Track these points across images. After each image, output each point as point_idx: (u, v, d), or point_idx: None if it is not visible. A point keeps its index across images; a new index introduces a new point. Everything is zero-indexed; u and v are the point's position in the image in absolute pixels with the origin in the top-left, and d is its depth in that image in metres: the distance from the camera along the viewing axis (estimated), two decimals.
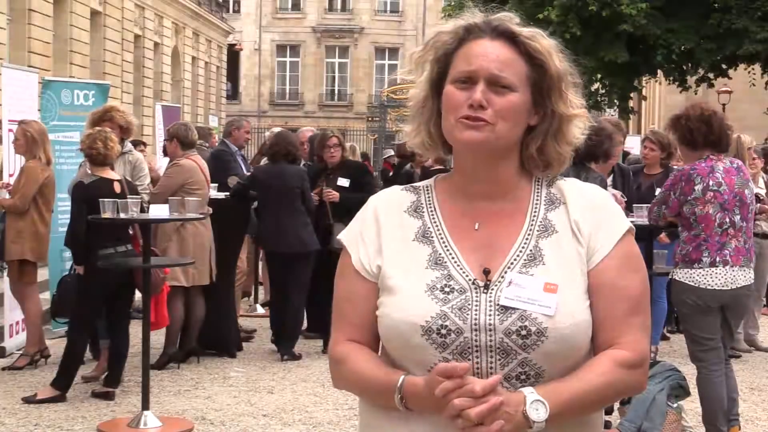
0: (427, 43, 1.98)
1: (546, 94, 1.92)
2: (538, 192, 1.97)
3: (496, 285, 1.87)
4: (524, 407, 1.77)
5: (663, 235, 7.76)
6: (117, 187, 6.70)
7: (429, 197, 2.00)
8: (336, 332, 2.00)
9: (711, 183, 5.42)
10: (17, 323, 8.44)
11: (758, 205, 7.43)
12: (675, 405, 5.76)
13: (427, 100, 1.97)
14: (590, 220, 1.92)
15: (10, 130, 8.26)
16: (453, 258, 1.91)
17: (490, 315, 1.84)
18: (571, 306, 1.84)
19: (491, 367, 1.83)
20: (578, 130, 1.96)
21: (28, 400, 6.66)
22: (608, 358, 1.85)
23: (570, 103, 1.94)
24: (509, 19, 1.94)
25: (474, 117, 1.86)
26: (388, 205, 2.00)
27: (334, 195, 8.51)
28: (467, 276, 1.88)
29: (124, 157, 7.56)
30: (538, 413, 1.76)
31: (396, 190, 2.05)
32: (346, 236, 2.01)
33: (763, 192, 8.64)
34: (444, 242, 1.93)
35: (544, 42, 1.92)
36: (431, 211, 1.98)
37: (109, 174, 6.76)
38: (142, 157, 8.05)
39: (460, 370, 1.76)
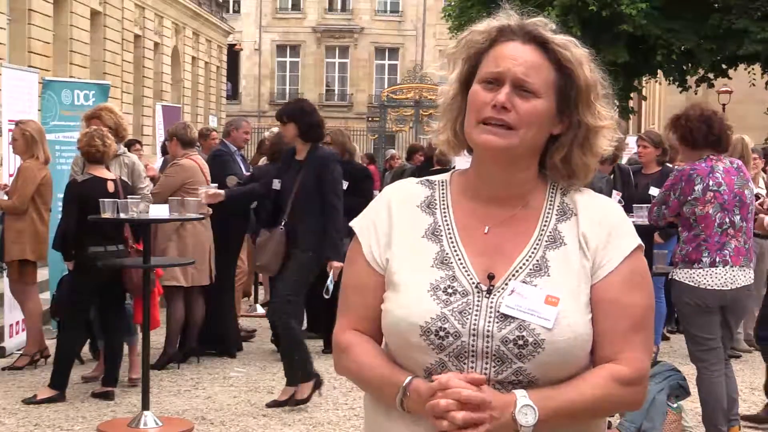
0: (459, 40, 1.97)
1: (573, 104, 1.91)
2: (551, 201, 1.96)
3: (498, 291, 1.87)
4: (513, 410, 1.77)
5: (655, 235, 7.76)
6: (110, 186, 6.69)
7: (443, 194, 2.00)
8: (341, 319, 2.00)
9: (711, 183, 5.42)
10: (17, 323, 8.44)
11: (756, 203, 7.42)
12: (675, 405, 5.76)
13: (455, 98, 1.96)
14: (599, 234, 1.91)
15: (10, 131, 8.26)
16: (459, 259, 1.91)
17: (489, 321, 1.84)
18: (571, 320, 1.84)
19: (486, 373, 1.83)
20: (606, 142, 1.95)
21: (28, 402, 6.66)
22: (605, 371, 1.85)
23: (598, 114, 1.92)
24: (543, 24, 1.93)
25: (496, 119, 1.85)
26: (402, 198, 2.00)
27: None
28: (471, 279, 1.88)
29: (120, 159, 7.54)
30: (527, 418, 1.77)
31: (411, 183, 2.04)
32: (358, 224, 2.01)
33: (763, 192, 8.64)
34: (452, 242, 1.93)
35: (576, 51, 1.91)
36: (444, 208, 1.98)
37: (103, 173, 6.75)
38: (137, 160, 8.00)
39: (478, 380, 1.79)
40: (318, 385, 6.65)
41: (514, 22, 1.93)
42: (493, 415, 1.76)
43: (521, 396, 1.79)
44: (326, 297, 6.45)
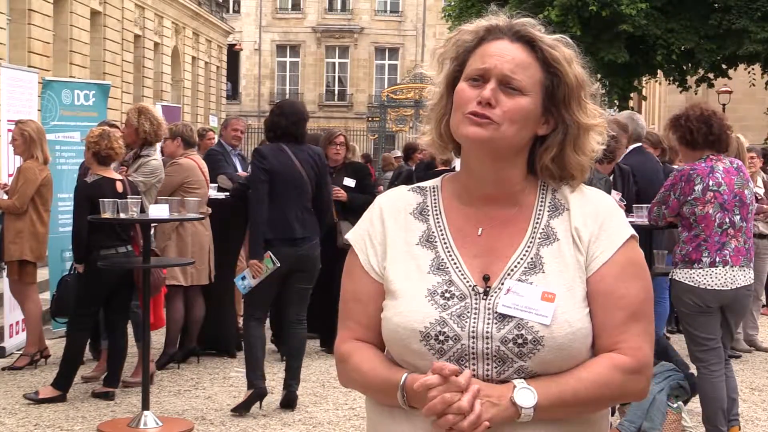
0: (448, 40, 1.98)
1: (563, 104, 1.91)
2: (542, 197, 1.96)
3: (495, 292, 1.87)
4: (511, 394, 1.78)
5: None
6: (119, 187, 6.70)
7: (435, 200, 2.00)
8: (342, 330, 2.01)
9: (711, 183, 5.42)
10: (17, 323, 8.45)
11: (757, 205, 7.42)
12: (675, 405, 5.76)
13: (441, 97, 1.97)
14: (591, 227, 1.91)
15: (10, 130, 8.25)
16: (455, 264, 1.91)
17: (487, 323, 1.85)
18: (569, 315, 1.84)
19: (488, 374, 1.83)
20: (597, 140, 1.95)
21: (29, 397, 6.66)
22: (605, 359, 1.86)
23: (590, 112, 1.93)
24: (532, 25, 1.94)
25: (481, 114, 1.86)
26: (394, 207, 2.00)
27: (343, 194, 8.52)
28: (468, 282, 1.89)
29: (139, 160, 7.51)
30: (526, 399, 1.78)
31: (402, 190, 2.05)
32: (353, 236, 2.02)
33: (761, 191, 8.64)
34: (447, 247, 1.93)
35: (565, 51, 1.92)
36: (436, 214, 1.98)
37: (111, 174, 6.76)
38: (153, 163, 7.86)
39: (448, 371, 1.77)
40: (257, 397, 6.47)
41: (502, 21, 1.94)
42: (491, 401, 1.77)
43: (519, 382, 1.80)
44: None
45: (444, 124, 1.96)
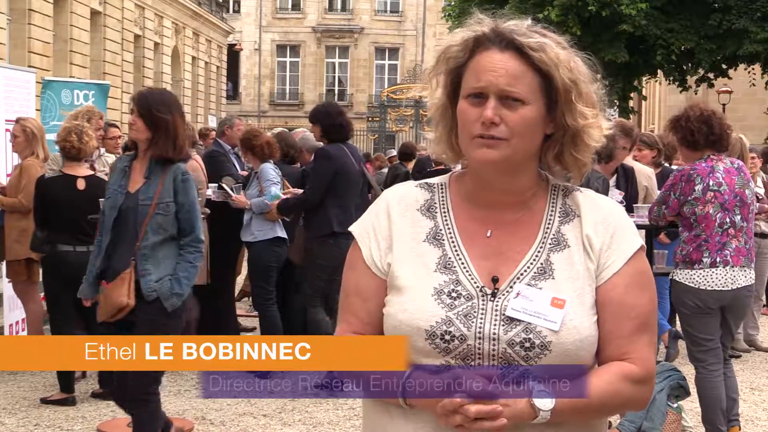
0: (438, 57, 1.95)
1: (556, 106, 1.89)
2: (553, 203, 1.95)
3: (503, 294, 1.87)
4: (530, 397, 1.77)
5: (662, 235, 7.76)
6: (80, 184, 6.64)
7: (443, 197, 1.99)
8: (342, 324, 2.00)
9: (711, 183, 5.42)
10: (17, 323, 8.44)
11: (758, 204, 7.42)
12: (675, 405, 5.76)
13: (446, 110, 1.94)
14: (602, 235, 1.91)
15: (7, 130, 8.23)
16: (462, 263, 1.90)
17: (494, 324, 1.84)
18: (577, 322, 1.84)
19: None
20: (597, 135, 1.92)
21: (45, 401, 6.64)
22: (616, 368, 1.86)
23: (580, 114, 1.89)
24: (519, 27, 1.90)
25: (488, 135, 1.84)
26: (401, 202, 1.99)
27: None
28: (475, 282, 1.88)
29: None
30: (544, 402, 1.77)
31: (410, 186, 2.03)
32: (357, 228, 2.00)
33: (761, 192, 8.63)
34: (455, 246, 1.92)
35: (552, 53, 1.87)
36: (444, 212, 1.97)
37: (76, 170, 6.66)
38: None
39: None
40: None
41: (488, 28, 1.90)
42: (507, 402, 1.76)
43: (535, 384, 1.79)
44: None
45: (453, 136, 1.94)
